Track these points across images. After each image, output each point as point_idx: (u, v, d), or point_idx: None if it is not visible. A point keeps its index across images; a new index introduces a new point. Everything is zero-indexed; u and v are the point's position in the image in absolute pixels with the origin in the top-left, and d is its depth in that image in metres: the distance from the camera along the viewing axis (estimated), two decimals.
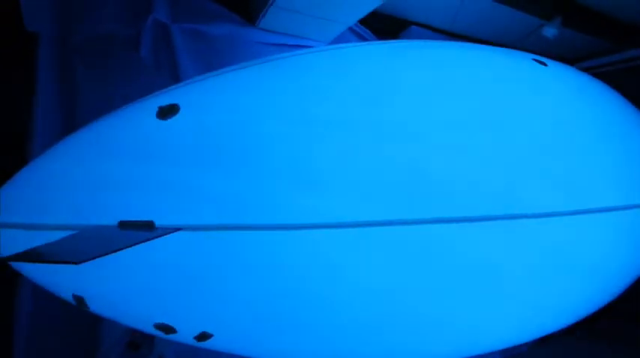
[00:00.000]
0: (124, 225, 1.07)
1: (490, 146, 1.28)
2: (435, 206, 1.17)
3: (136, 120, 1.19)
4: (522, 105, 1.39)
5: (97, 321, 1.74)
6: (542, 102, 1.45)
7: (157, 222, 1.06)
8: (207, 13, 2.23)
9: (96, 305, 1.20)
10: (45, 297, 1.70)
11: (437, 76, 1.36)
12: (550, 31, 2.56)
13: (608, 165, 1.45)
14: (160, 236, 1.04)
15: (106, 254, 0.99)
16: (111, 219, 1.08)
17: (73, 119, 2.04)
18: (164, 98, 1.22)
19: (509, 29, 2.67)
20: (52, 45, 1.99)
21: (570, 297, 1.48)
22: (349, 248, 1.10)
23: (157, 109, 1.19)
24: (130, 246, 1.00)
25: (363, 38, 2.69)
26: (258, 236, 1.07)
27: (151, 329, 1.24)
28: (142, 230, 1.07)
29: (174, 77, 2.23)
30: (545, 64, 1.63)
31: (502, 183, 1.25)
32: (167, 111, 1.17)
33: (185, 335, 1.23)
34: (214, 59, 2.28)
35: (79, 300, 1.19)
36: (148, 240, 1.03)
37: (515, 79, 1.48)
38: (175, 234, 1.05)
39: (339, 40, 2.55)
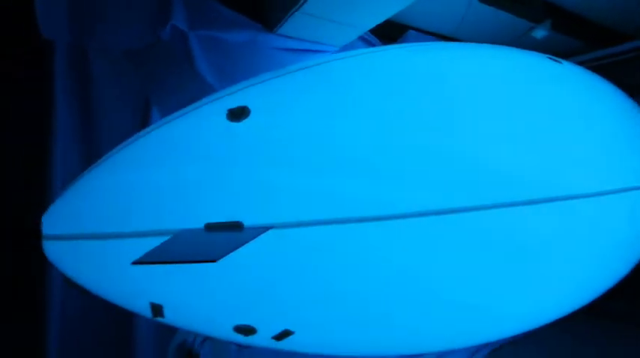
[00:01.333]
0: (210, 227, 1.07)
1: (530, 134, 1.40)
2: (493, 192, 1.26)
3: (207, 124, 1.19)
4: (552, 96, 1.52)
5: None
6: (567, 93, 1.60)
7: (246, 223, 1.07)
8: (224, 20, 2.23)
9: (174, 313, 1.18)
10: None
11: (478, 74, 1.47)
12: (540, 33, 2.79)
13: (627, 149, 1.61)
14: (253, 236, 1.05)
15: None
16: (196, 222, 1.07)
17: (90, 126, 1.98)
18: (231, 101, 1.23)
19: (504, 32, 2.88)
20: (68, 52, 1.93)
21: (602, 272, 1.62)
22: (428, 237, 1.16)
23: (226, 112, 1.20)
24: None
25: (370, 43, 2.79)
26: (343, 230, 1.11)
27: (228, 334, 1.23)
28: (230, 231, 1.07)
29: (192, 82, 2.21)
30: (560, 62, 1.79)
31: (546, 167, 1.37)
32: (238, 114, 1.19)
33: (264, 335, 1.23)
34: (232, 66, 2.29)
35: (157, 309, 1.17)
36: (246, 241, 1.03)
37: (541, 74, 1.61)
38: (263, 233, 1.07)
39: (348, 45, 2.63)
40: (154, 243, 1.06)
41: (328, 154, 1.13)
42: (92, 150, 1.97)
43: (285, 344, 1.29)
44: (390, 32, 3.21)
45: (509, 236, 1.30)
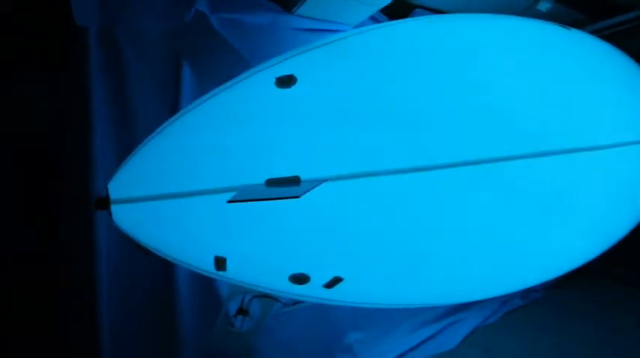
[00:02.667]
0: (271, 182, 1.18)
1: (552, 93, 1.52)
2: (522, 144, 1.39)
3: (258, 90, 1.30)
4: (568, 58, 1.65)
5: None
6: (580, 56, 1.72)
7: (303, 177, 1.18)
8: (244, 2, 2.31)
9: (236, 266, 1.30)
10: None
11: (501, 41, 1.58)
12: (544, 5, 2.90)
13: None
14: (310, 189, 1.17)
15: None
16: (258, 178, 1.18)
17: (125, 109, 2.07)
18: (277, 70, 1.33)
19: (510, 6, 2.97)
20: (100, 39, 2.01)
21: (616, 221, 1.76)
22: (467, 185, 1.28)
23: (274, 80, 1.30)
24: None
25: (378, 22, 2.88)
26: (389, 180, 1.23)
27: (283, 284, 1.36)
28: (289, 185, 1.18)
29: (214, 66, 2.30)
30: (569, 29, 1.90)
31: (567, 122, 1.50)
32: (286, 81, 1.29)
33: (316, 283, 1.35)
34: (253, 46, 2.37)
35: (221, 262, 1.28)
36: (303, 193, 1.15)
37: (557, 40, 1.72)
38: (319, 185, 1.18)
39: (360, 24, 2.71)
40: (222, 199, 1.17)
41: (372, 113, 1.25)
42: (126, 128, 2.07)
43: (333, 294, 1.41)
44: (398, 10, 3.29)
45: (537, 183, 1.43)
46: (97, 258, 1.89)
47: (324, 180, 1.18)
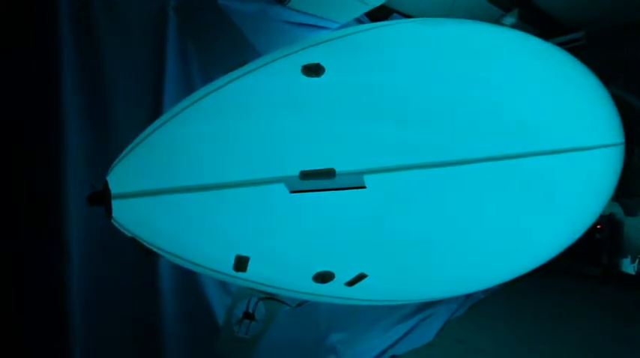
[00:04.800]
0: (306, 174, 1.11)
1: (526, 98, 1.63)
2: (520, 143, 1.47)
3: (285, 78, 1.22)
4: (542, 66, 1.79)
5: None
6: (561, 69, 1.89)
7: (338, 169, 1.13)
8: None
9: (259, 266, 1.19)
10: None
11: (493, 44, 1.67)
12: (509, 20, 3.15)
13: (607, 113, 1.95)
14: (344, 182, 1.12)
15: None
16: (291, 170, 1.11)
17: (100, 91, 1.84)
18: (303, 57, 1.26)
19: (480, 17, 3.19)
20: (73, 11, 1.76)
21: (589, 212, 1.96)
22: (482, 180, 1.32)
23: (301, 67, 1.23)
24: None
25: (362, 23, 2.91)
26: (418, 175, 1.22)
27: (306, 282, 1.28)
28: (324, 177, 1.12)
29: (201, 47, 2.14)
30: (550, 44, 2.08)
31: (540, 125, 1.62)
32: (314, 70, 1.23)
33: (340, 280, 1.30)
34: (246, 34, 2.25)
35: (242, 262, 1.17)
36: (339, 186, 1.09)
37: (540, 53, 1.88)
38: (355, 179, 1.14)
39: (344, 24, 2.72)
40: (252, 192, 1.08)
41: (406, 107, 1.23)
42: (101, 112, 1.83)
43: (354, 292, 1.37)
44: (377, 13, 3.36)
45: (510, 184, 1.51)
46: (68, 259, 1.65)
47: (362, 173, 1.14)
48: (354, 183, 1.09)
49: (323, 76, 1.23)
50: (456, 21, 1.87)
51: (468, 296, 3.78)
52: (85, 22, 1.77)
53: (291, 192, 1.06)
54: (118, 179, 1.13)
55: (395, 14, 3.33)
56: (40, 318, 1.63)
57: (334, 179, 1.13)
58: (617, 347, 2.83)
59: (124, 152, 1.18)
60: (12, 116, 1.64)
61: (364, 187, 1.10)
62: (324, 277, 1.28)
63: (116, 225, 1.17)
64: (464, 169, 1.31)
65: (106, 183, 1.14)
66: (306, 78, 1.22)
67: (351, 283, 1.33)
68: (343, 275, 1.30)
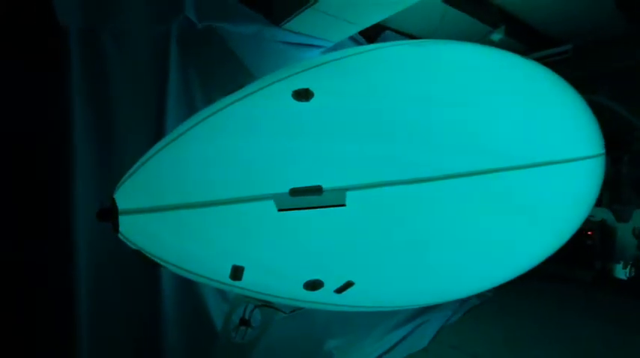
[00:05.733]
0: (294, 191, 1.22)
1: (512, 114, 1.74)
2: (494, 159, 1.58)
3: (277, 103, 1.34)
4: (527, 83, 1.92)
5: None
6: (538, 84, 2.01)
7: (325, 186, 1.24)
8: (234, 13, 2.32)
9: (253, 275, 1.30)
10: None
11: (472, 63, 1.80)
12: (496, 36, 3.29)
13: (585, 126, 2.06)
14: (330, 198, 1.23)
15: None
16: (282, 187, 1.22)
17: (107, 111, 1.97)
18: (294, 82, 1.38)
19: (468, 33, 3.33)
20: (82, 38, 1.90)
21: (566, 226, 2.06)
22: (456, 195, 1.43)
23: (291, 92, 1.35)
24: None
25: (357, 41, 3.05)
26: (400, 190, 1.33)
27: (296, 290, 1.39)
28: (312, 194, 1.24)
29: (202, 73, 2.28)
30: (528, 60, 2.20)
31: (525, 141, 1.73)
32: (303, 95, 1.35)
33: (329, 288, 1.40)
34: (241, 56, 2.39)
35: (238, 271, 1.28)
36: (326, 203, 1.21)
37: (517, 70, 2.00)
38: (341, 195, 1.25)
39: (339, 42, 2.86)
40: (246, 208, 1.19)
41: (387, 128, 1.35)
42: (107, 130, 1.96)
43: (342, 299, 1.48)
44: (366, 31, 3.51)
45: (503, 194, 1.63)
46: (76, 266, 1.76)
47: (347, 189, 1.25)
48: (336, 201, 1.20)
49: (312, 100, 1.35)
50: (435, 41, 2.00)
51: (463, 302, 3.86)
52: (93, 48, 1.91)
53: (279, 210, 1.17)
54: (124, 196, 1.25)
55: (387, 31, 3.48)
56: (48, 320, 1.74)
57: (322, 195, 1.24)
58: (610, 353, 2.91)
59: (130, 171, 1.30)
60: (28, 130, 1.77)
61: (344, 205, 1.21)
62: (314, 285, 1.38)
63: (122, 238, 1.28)
64: (444, 184, 1.42)
65: (113, 201, 1.25)
66: (297, 102, 1.35)
67: (339, 290, 1.44)
68: (332, 283, 1.40)
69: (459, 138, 1.51)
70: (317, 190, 1.24)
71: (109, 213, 1.26)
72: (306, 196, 1.23)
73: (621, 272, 4.28)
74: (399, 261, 1.44)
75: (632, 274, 4.19)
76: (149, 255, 1.31)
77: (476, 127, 1.58)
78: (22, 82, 1.72)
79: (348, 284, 1.42)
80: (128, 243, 1.29)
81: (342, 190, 1.25)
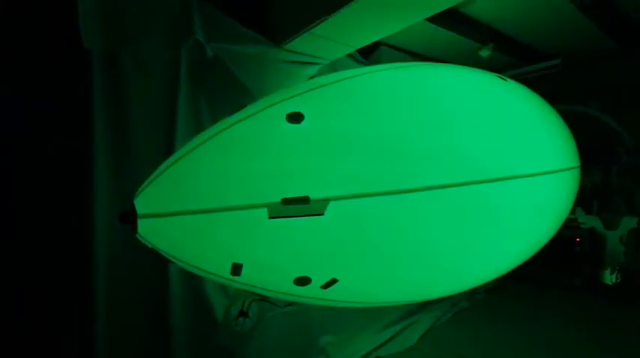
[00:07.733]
0: (286, 201, 1.44)
1: (493, 132, 1.95)
2: (468, 172, 1.78)
3: (272, 124, 1.56)
4: (503, 104, 2.11)
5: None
6: (512, 102, 2.21)
7: (311, 196, 1.46)
8: (237, 35, 2.56)
9: (250, 271, 1.52)
10: None
11: (458, 87, 2.00)
12: (485, 52, 3.49)
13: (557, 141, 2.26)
14: (317, 207, 1.45)
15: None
16: (275, 197, 1.44)
17: (127, 131, 2.21)
18: (288, 106, 1.61)
19: (459, 49, 3.54)
20: (104, 61, 2.14)
21: (542, 232, 2.25)
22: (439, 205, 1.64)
23: (285, 115, 1.58)
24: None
25: (354, 57, 3.27)
26: (380, 201, 1.55)
27: (287, 285, 1.60)
28: (300, 203, 1.46)
29: (210, 90, 2.51)
30: (505, 79, 2.41)
31: (501, 155, 1.93)
32: (296, 117, 1.57)
33: (316, 284, 1.62)
34: (243, 75, 2.62)
35: (237, 268, 1.50)
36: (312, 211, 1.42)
37: (494, 89, 2.20)
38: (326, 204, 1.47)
39: (336, 60, 3.08)
40: (245, 214, 1.41)
41: (368, 145, 1.56)
42: (125, 145, 2.20)
43: (329, 294, 1.69)
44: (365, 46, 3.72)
45: (482, 204, 1.83)
46: (95, 265, 2.00)
47: (330, 200, 1.46)
48: (320, 209, 1.42)
49: (302, 122, 1.58)
50: (418, 64, 2.21)
51: (453, 304, 4.05)
52: (113, 70, 2.15)
53: (270, 217, 1.39)
54: (142, 202, 1.47)
55: (382, 47, 3.70)
56: (68, 317, 1.98)
57: (309, 204, 1.46)
58: (599, 355, 3.07)
59: (147, 181, 1.53)
60: (53, 142, 2.02)
61: (322, 214, 1.43)
62: (303, 281, 1.60)
63: (140, 239, 1.51)
64: (421, 195, 1.63)
65: (133, 205, 1.48)
66: (289, 124, 1.57)
67: (325, 286, 1.65)
68: (319, 280, 1.62)
69: (437, 153, 1.72)
70: (305, 200, 1.46)
71: (130, 217, 1.49)
72: (295, 205, 1.45)
73: (609, 278, 4.44)
74: (376, 262, 1.66)
75: (619, 280, 4.34)
76: (162, 253, 1.54)
77: (453, 142, 1.79)
78: (48, 101, 1.97)
79: (333, 281, 1.63)
80: (145, 242, 1.52)
81: (327, 200, 1.47)
